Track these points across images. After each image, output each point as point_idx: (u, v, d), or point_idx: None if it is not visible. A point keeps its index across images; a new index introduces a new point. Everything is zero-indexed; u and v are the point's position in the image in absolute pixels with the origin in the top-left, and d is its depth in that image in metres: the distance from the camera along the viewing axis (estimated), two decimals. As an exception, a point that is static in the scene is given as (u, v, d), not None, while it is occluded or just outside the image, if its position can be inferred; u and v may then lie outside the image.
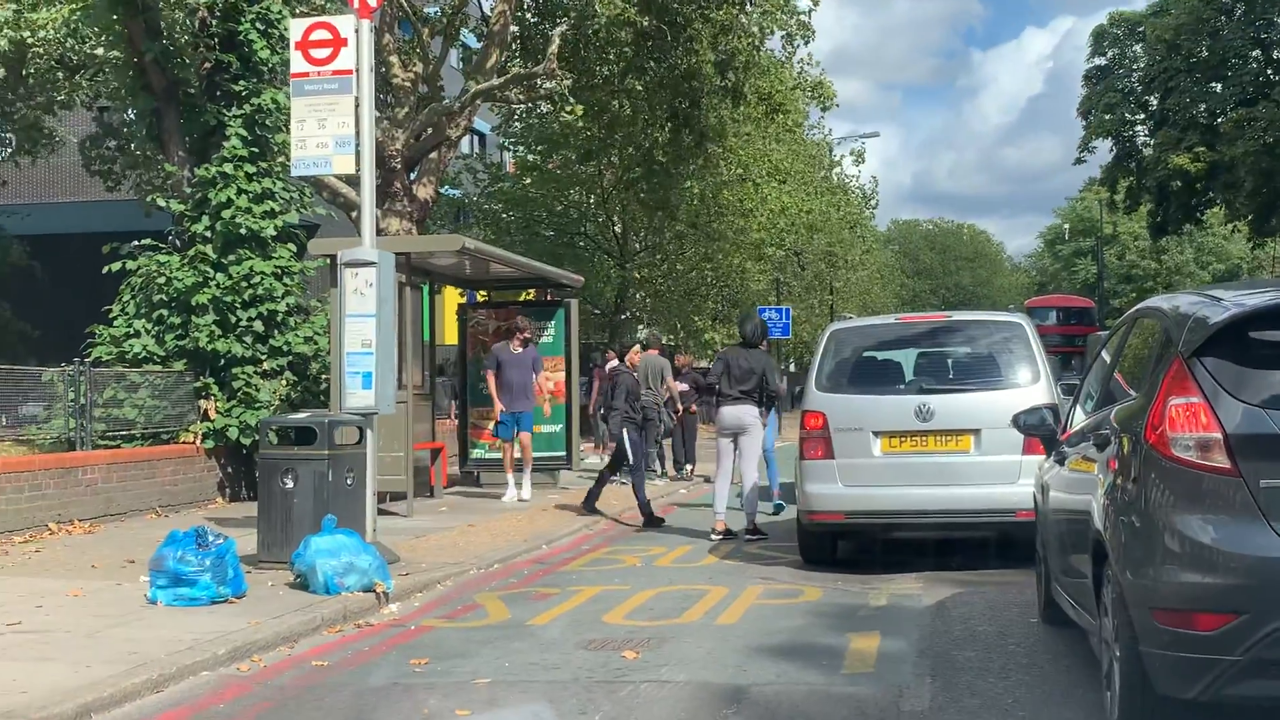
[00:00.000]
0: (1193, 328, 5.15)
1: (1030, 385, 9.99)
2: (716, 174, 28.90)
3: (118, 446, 13.61)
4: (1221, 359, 4.98)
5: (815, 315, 47.78)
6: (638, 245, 32.76)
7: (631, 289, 32.21)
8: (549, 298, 19.51)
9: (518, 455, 15.68)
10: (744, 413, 12.19)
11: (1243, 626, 4.67)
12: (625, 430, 13.85)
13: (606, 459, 19.76)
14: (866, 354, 10.88)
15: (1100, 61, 47.54)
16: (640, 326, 34.69)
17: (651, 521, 13.51)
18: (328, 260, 13.40)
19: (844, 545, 11.07)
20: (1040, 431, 7.47)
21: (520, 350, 15.40)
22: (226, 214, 14.69)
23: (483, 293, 20.12)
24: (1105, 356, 6.92)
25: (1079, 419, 6.96)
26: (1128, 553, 5.13)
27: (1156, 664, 4.91)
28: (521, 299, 21.12)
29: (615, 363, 20.12)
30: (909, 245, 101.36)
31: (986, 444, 9.88)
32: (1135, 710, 5.10)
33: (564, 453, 17.02)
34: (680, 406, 18.68)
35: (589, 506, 14.09)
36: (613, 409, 14.29)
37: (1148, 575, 4.96)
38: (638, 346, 16.02)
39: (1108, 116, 45.20)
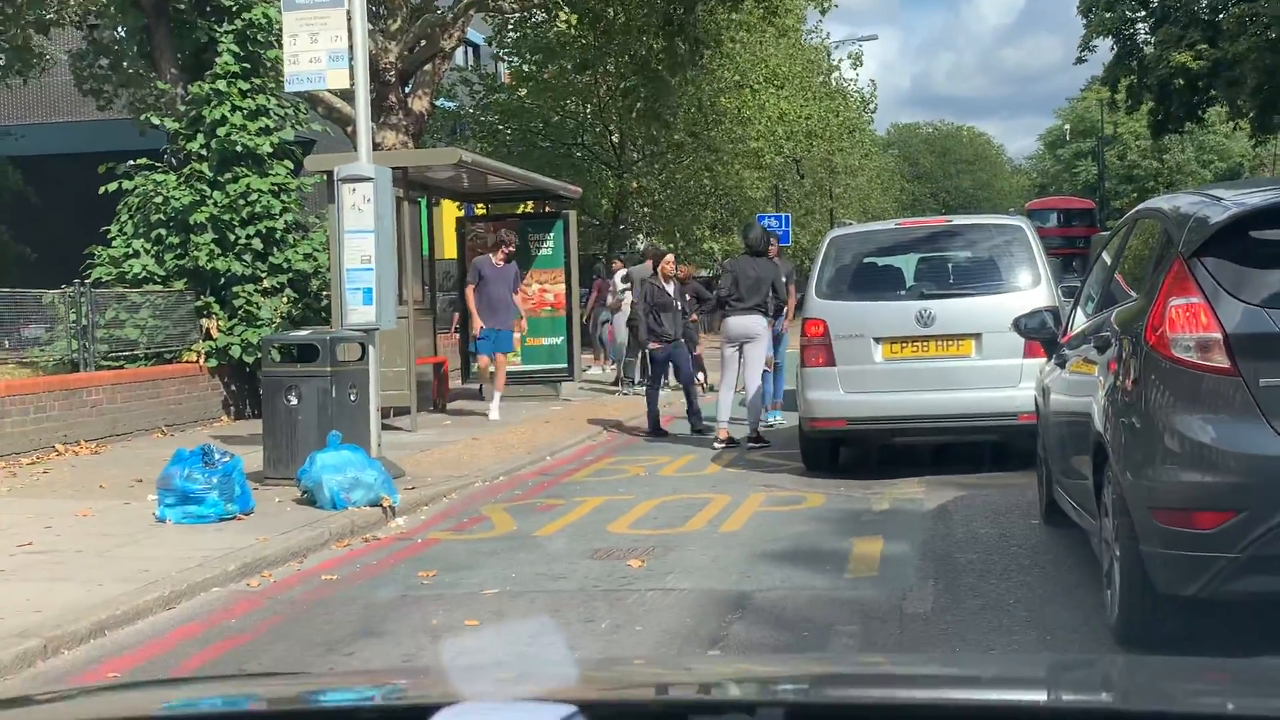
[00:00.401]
0: (1193, 228, 5.12)
1: (1031, 288, 9.98)
2: (713, 81, 28.57)
3: (121, 367, 13.63)
4: (1222, 259, 4.96)
5: (815, 222, 47.57)
6: (635, 155, 32.49)
7: (629, 199, 32.02)
8: (547, 210, 19.41)
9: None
10: (752, 323, 12.08)
11: (1241, 524, 4.71)
12: (650, 345, 13.73)
13: (609, 370, 19.76)
14: (866, 260, 10.85)
15: (1101, -43, 46.76)
16: (640, 237, 34.57)
17: (657, 432, 13.56)
18: (325, 176, 13.29)
19: (846, 452, 11.13)
20: (1041, 335, 7.48)
21: (503, 264, 14.76)
22: (221, 131, 14.57)
23: (481, 206, 19.98)
24: (1106, 258, 6.90)
25: (1079, 321, 6.96)
26: (1128, 454, 5.15)
27: (1156, 563, 4.96)
28: (520, 211, 21.03)
29: (624, 273, 20.07)
30: (908, 149, 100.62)
31: (987, 348, 9.89)
32: (1135, 608, 5.16)
33: (565, 365, 17.04)
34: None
35: (655, 430, 13.62)
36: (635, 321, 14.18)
37: (1148, 475, 4.99)
38: (670, 256, 14.92)
39: (1108, 14, 44.56)
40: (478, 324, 14.72)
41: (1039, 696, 2.08)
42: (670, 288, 13.60)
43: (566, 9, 20.54)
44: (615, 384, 19.42)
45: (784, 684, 2.15)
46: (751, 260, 12.23)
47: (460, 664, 3.39)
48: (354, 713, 2.05)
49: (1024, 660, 4.06)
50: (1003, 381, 9.77)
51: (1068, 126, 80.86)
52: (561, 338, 17.00)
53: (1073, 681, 2.18)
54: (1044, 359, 7.88)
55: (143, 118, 15.89)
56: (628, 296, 19.74)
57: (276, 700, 2.18)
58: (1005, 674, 2.35)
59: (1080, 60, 47.41)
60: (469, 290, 14.90)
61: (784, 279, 12.75)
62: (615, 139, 31.53)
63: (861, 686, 2.15)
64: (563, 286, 17.01)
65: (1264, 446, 4.74)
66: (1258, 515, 4.69)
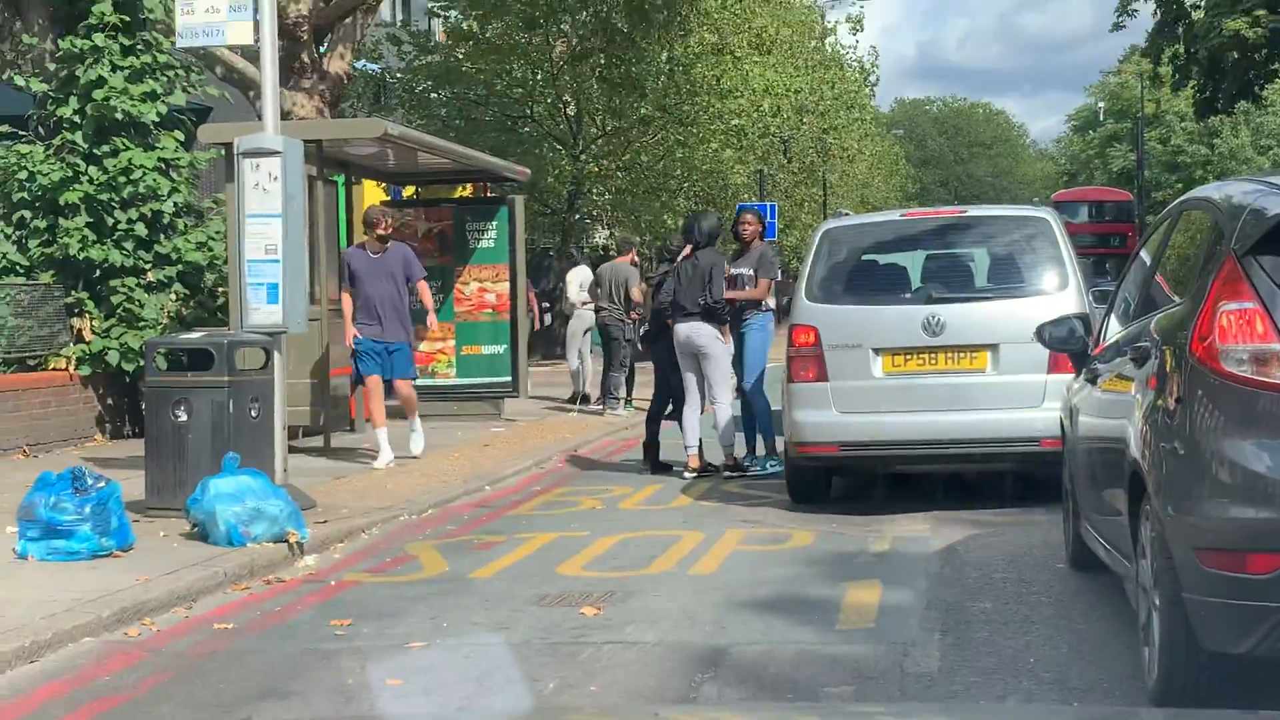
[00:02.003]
0: (1248, 220, 5.18)
1: (1057, 292, 10.06)
2: (687, 45, 28.69)
3: (-25, 375, 13.53)
4: (1282, 257, 5.02)
5: (806, 214, 47.79)
6: (595, 131, 32.57)
7: (588, 184, 32.07)
8: (489, 194, 19.43)
9: (393, 402, 13.19)
10: (695, 331, 11.99)
11: (1303, 569, 4.75)
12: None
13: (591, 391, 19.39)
14: (866, 257, 10.91)
15: (1143, -93, 47.22)
16: (600, 228, 34.62)
17: (658, 465, 12.96)
18: (222, 150, 13.26)
19: (839, 482, 11.15)
20: (1069, 346, 7.53)
21: (380, 253, 12.80)
22: (98, 95, 14.48)
23: (410, 188, 19.98)
24: (1145, 256, 6.97)
25: (1114, 330, 7.02)
26: (1169, 485, 5.19)
27: (1202, 613, 4.99)
28: (457, 195, 21.04)
29: (580, 274, 20.06)
30: (915, 129, 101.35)
31: (1006, 361, 9.95)
32: (1178, 667, 5.19)
33: (509, 378, 17.01)
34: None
35: (654, 463, 13.01)
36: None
37: (1193, 510, 5.03)
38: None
39: (1151, -27, 45.00)
40: (351, 333, 12.72)
41: None
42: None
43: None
44: (571, 401, 19.44)
45: None
46: (697, 254, 12.11)
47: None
48: None
49: (1048, 712, 4.09)
50: (1023, 401, 9.84)
51: (1102, 105, 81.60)
52: (504, 346, 16.98)
53: None
54: (1072, 375, 7.94)
55: (3, 77, 15.79)
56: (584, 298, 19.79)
57: None
58: None
59: (1118, 27, 47.74)
60: (343, 294, 12.99)
61: (751, 269, 12.48)
62: (571, 111, 31.57)
63: None
64: (506, 285, 16.99)
65: (1329, 477, 4.79)
66: (1322, 558, 4.74)
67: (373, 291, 12.68)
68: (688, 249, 12.30)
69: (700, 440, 12.27)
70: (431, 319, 13.78)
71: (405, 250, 13.18)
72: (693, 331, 12.04)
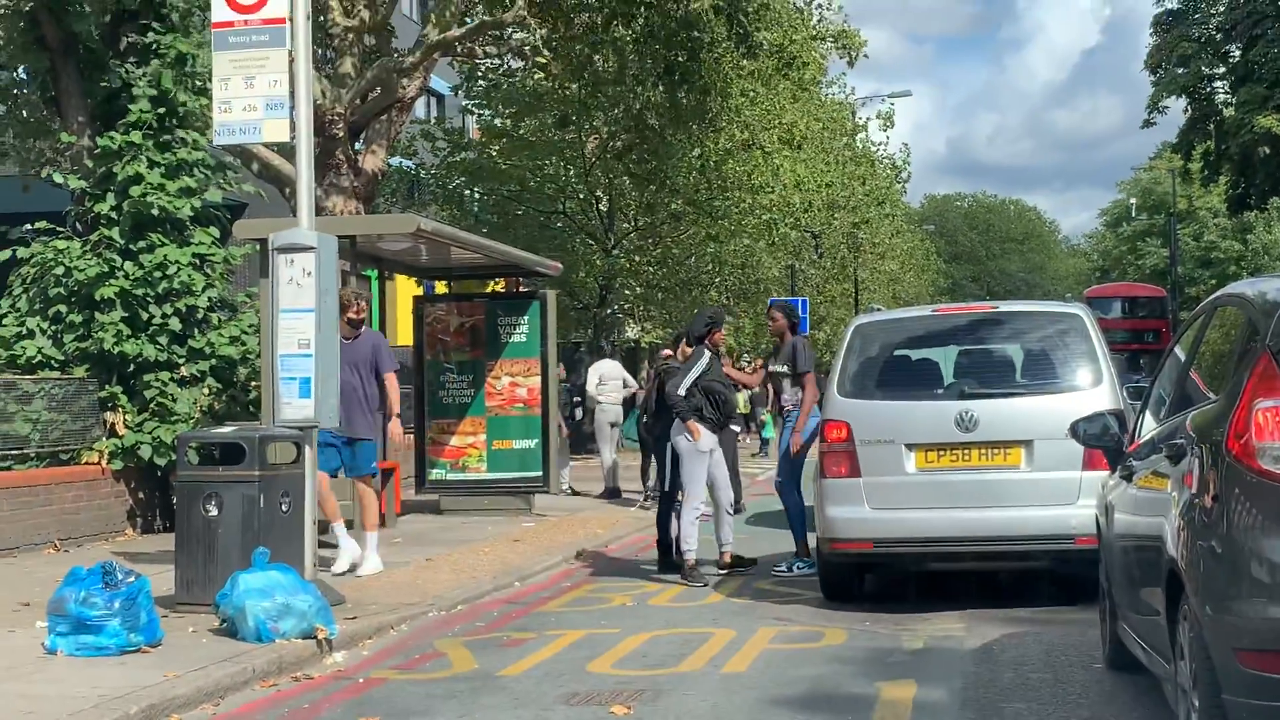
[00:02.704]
0: (1284, 316, 5.16)
1: (1091, 388, 10.03)
2: (719, 140, 28.94)
3: (9, 468, 13.58)
4: (1318, 354, 5.00)
5: (838, 310, 47.89)
6: (627, 226, 32.78)
7: (619, 278, 32.24)
8: (520, 289, 19.53)
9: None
10: (674, 429, 12.15)
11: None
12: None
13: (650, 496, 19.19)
14: (898, 352, 10.91)
15: (1172, 5, 47.61)
16: (630, 323, 34.72)
17: (669, 565, 12.68)
18: (257, 245, 13.40)
19: (872, 579, 11.07)
20: (1103, 442, 7.50)
21: (351, 339, 11.82)
22: (135, 191, 14.67)
23: (442, 283, 20.11)
24: (1179, 352, 6.95)
25: (1149, 427, 6.98)
26: (1208, 584, 5.14)
27: (1242, 716, 4.92)
28: (489, 290, 21.17)
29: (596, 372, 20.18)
30: (946, 225, 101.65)
31: (1040, 458, 9.90)
32: (1218, 771, 5.11)
33: (540, 472, 17.00)
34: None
35: (667, 566, 12.66)
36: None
37: (1231, 610, 4.97)
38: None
39: (1181, 70, 45.26)
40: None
41: None
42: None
43: (547, 53, 20.82)
44: (603, 495, 19.45)
45: None
46: (695, 350, 12.24)
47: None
48: None
49: None
50: (1058, 498, 9.78)
51: (1134, 201, 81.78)
52: (535, 440, 16.99)
53: None
54: (1107, 471, 7.89)
55: (44, 173, 16.00)
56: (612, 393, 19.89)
57: None
58: None
59: (1148, 124, 48.01)
60: None
61: (784, 365, 12.38)
62: (603, 207, 31.80)
63: None
64: (538, 380, 17.04)
65: (1369, 577, 4.73)
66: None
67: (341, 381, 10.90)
68: (684, 348, 12.47)
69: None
70: (395, 426, 12.38)
71: (378, 339, 12.41)
72: (674, 430, 12.16)
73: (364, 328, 12.18)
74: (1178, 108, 46.98)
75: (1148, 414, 7.16)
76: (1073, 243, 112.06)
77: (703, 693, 7.66)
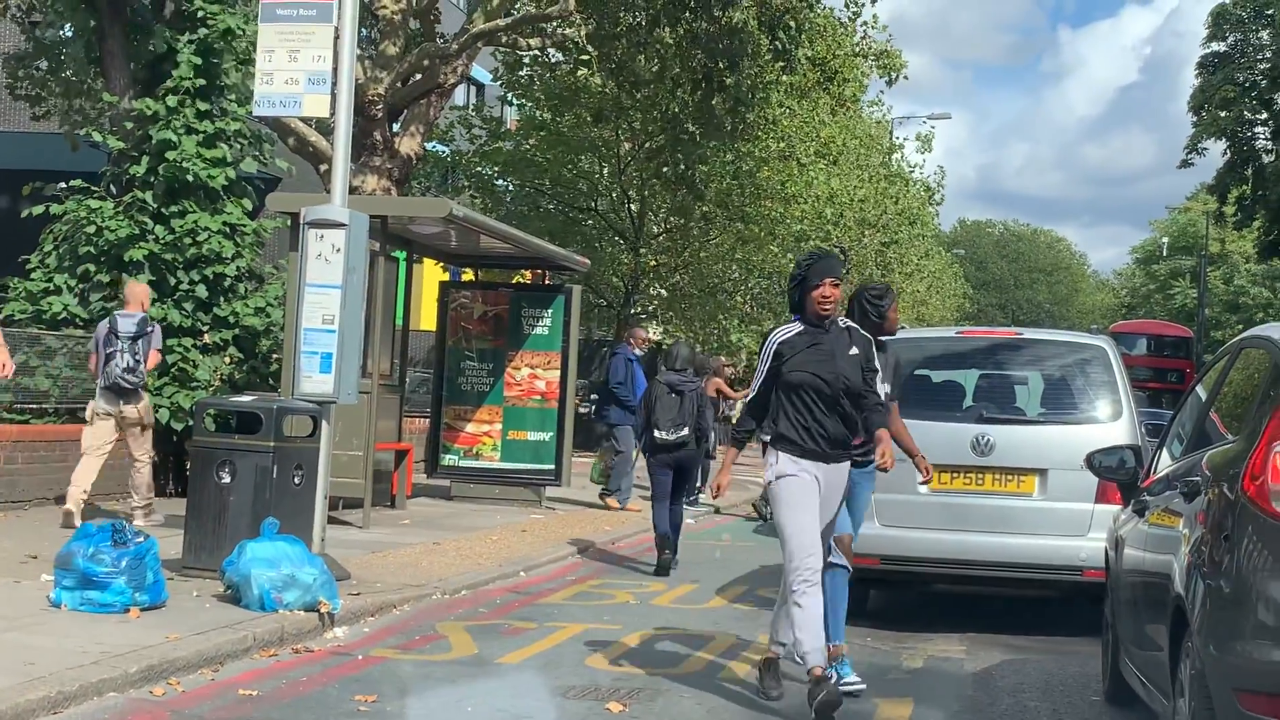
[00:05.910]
0: (1307, 361, 5.15)
1: (1110, 421, 10.00)
2: (755, 148, 28.91)
3: (26, 422, 13.64)
4: (1340, 400, 4.99)
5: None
6: (656, 228, 32.76)
7: (645, 279, 32.21)
8: (547, 281, 19.55)
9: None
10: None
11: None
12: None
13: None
14: (919, 372, 10.87)
15: (1219, 47, 47.45)
16: (653, 324, 34.68)
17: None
18: (288, 219, 13.43)
19: (876, 595, 11.06)
20: (1118, 476, 7.48)
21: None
22: (171, 156, 14.73)
23: (469, 270, 20.14)
24: (1201, 391, 6.93)
25: (1165, 464, 6.97)
26: (1212, 622, 5.13)
27: (1239, 757, 4.91)
28: (514, 280, 21.17)
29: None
30: (976, 251, 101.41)
31: (1054, 487, 9.88)
32: (1211, 811, 5.10)
33: (553, 466, 17.00)
34: None
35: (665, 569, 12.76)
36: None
37: (1235, 650, 4.96)
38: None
39: (1223, 113, 45.14)
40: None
41: None
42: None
43: (591, 49, 20.82)
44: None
45: None
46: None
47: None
48: None
49: None
50: (1069, 528, 9.76)
51: (1166, 240, 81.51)
52: (550, 433, 16.99)
53: None
54: (1119, 505, 7.88)
55: (85, 130, 16.06)
56: None
57: None
58: None
59: (1186, 164, 47.90)
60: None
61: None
62: (634, 207, 31.81)
63: None
64: (557, 373, 17.05)
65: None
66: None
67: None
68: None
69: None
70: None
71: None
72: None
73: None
74: (1216, 150, 46.86)
75: (1164, 451, 7.15)
76: (1102, 277, 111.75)
77: (699, 695, 7.65)
